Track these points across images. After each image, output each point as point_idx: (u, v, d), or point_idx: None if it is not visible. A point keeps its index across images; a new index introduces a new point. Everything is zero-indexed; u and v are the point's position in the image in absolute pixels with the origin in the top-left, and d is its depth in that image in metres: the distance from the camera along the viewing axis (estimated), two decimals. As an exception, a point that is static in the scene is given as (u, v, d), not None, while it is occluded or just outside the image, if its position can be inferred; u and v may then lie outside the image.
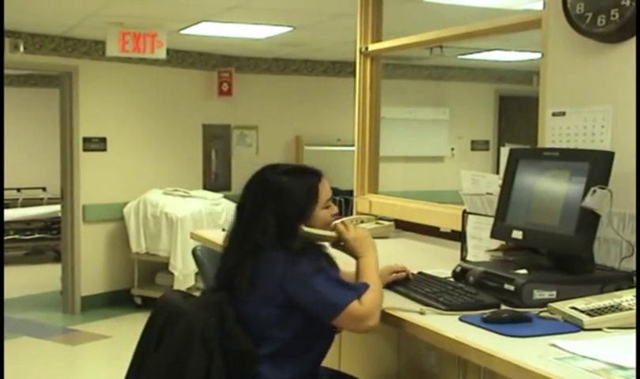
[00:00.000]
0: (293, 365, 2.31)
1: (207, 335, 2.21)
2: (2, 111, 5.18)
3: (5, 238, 10.16)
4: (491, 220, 2.71)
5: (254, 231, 2.29)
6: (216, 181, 8.15)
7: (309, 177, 2.41)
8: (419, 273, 2.67)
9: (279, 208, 2.30)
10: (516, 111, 8.74)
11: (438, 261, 3.00)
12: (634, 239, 2.43)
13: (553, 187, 2.51)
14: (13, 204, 10.76)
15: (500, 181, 2.74)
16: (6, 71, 9.89)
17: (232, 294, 2.30)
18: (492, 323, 2.07)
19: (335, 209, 2.47)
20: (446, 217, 3.56)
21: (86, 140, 7.19)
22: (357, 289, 2.25)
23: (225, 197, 7.46)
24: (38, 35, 6.80)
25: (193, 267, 6.21)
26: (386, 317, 2.30)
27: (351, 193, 4.59)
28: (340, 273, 2.36)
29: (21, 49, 6.60)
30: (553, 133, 2.83)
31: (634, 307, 2.06)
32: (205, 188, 7.87)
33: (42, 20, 6.20)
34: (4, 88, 5.86)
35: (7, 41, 6.54)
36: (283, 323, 2.27)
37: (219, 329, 2.23)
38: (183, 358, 2.20)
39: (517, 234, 2.54)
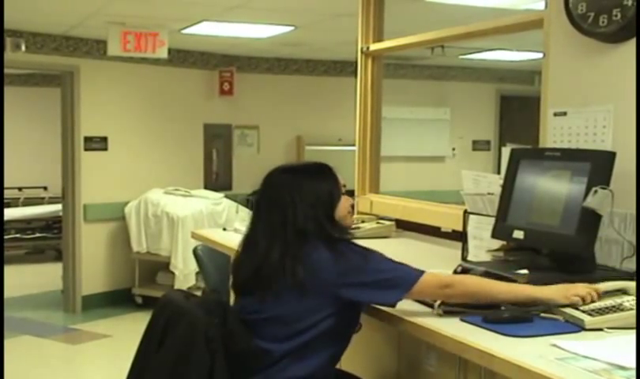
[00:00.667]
0: (315, 361, 2.28)
1: (210, 335, 2.20)
2: (2, 111, 5.18)
3: (7, 237, 10.17)
4: (492, 220, 2.71)
5: (292, 232, 2.27)
6: (217, 180, 8.15)
7: (326, 171, 2.42)
8: (420, 273, 2.66)
9: (312, 207, 2.30)
10: (517, 111, 8.73)
11: (440, 261, 3.00)
12: (635, 239, 2.42)
13: (554, 187, 2.50)
14: (15, 203, 10.77)
15: (501, 182, 2.74)
16: (8, 70, 9.89)
17: (264, 295, 2.27)
18: (493, 323, 2.07)
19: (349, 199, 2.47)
20: (447, 217, 3.55)
21: (87, 139, 7.19)
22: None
23: (226, 196, 7.46)
24: (39, 35, 6.80)
25: (193, 266, 6.21)
26: (386, 317, 2.30)
27: (352, 193, 4.58)
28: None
29: (23, 48, 6.60)
30: (554, 133, 2.82)
31: (635, 307, 2.06)
32: (206, 187, 7.87)
33: (43, 19, 6.20)
34: (4, 88, 5.85)
35: (9, 40, 6.54)
36: (320, 320, 2.24)
37: (222, 329, 2.23)
38: (186, 357, 2.20)
39: (518, 234, 2.54)
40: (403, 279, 2.22)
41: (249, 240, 2.39)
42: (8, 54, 6.56)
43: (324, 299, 2.23)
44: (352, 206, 2.49)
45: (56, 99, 7.53)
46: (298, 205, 2.29)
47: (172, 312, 2.29)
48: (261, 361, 2.28)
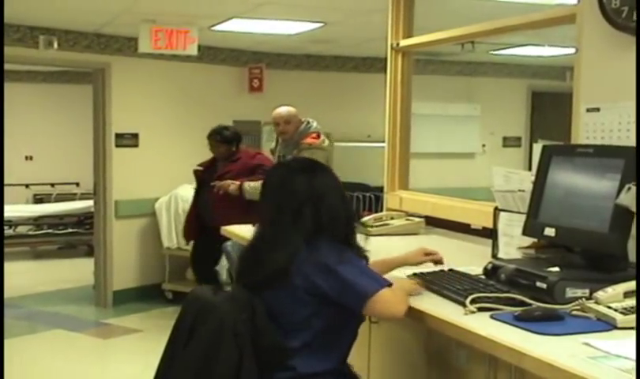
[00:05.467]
0: (323, 359, 2.32)
1: (238, 330, 2.21)
2: (2, 110, 5.20)
3: (39, 232, 10.31)
4: (523, 217, 2.69)
5: (300, 228, 2.31)
6: (246, 177, 8.16)
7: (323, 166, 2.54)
8: (450, 270, 2.65)
9: (322, 204, 2.35)
10: (548, 107, 8.64)
11: (469, 258, 2.98)
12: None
13: (587, 184, 2.47)
14: (47, 199, 10.92)
15: (532, 178, 2.72)
16: (40, 68, 10.04)
17: (265, 288, 2.32)
18: (524, 321, 2.05)
19: None
20: (477, 214, 3.53)
21: (118, 136, 7.25)
22: (384, 281, 2.28)
23: (254, 192, 7.48)
24: (72, 32, 6.86)
25: (223, 262, 6.22)
26: (416, 314, 2.29)
27: (381, 189, 4.58)
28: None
29: (55, 46, 6.67)
30: (587, 129, 2.79)
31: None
32: (233, 184, 7.89)
33: (76, 17, 6.27)
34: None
35: (41, 38, 6.62)
36: (315, 314, 2.28)
37: (249, 324, 2.24)
38: (214, 353, 2.21)
39: (549, 232, 2.51)
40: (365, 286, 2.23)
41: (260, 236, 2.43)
42: (41, 52, 6.64)
43: (307, 287, 2.26)
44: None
45: (88, 96, 7.60)
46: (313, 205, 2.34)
47: (200, 307, 2.31)
48: (288, 356, 2.28)
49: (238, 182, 5.63)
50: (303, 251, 2.28)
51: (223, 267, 6.69)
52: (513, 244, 2.87)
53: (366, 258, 2.45)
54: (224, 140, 6.07)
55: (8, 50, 6.50)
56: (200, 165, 6.21)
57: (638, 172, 2.28)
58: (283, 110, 5.66)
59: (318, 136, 5.47)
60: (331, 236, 2.33)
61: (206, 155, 6.05)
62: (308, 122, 5.63)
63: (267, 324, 2.29)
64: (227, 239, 5.27)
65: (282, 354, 2.29)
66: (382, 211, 4.39)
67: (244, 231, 4.02)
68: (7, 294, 7.58)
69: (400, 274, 2.76)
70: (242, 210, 5.52)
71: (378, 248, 3.61)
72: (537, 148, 2.80)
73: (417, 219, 4.00)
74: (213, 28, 6.53)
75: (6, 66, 9.29)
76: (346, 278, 2.24)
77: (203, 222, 5.99)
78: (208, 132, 6.10)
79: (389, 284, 2.27)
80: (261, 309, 2.30)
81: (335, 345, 2.36)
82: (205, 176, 6.07)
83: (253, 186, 5.45)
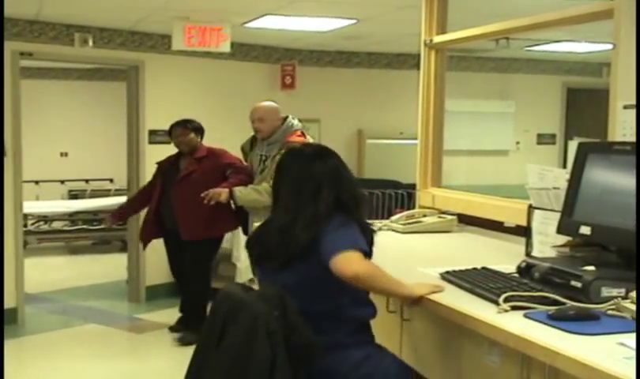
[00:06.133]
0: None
1: (271, 328, 2.21)
2: (2, 109, 5.25)
3: (74, 228, 10.43)
4: (558, 215, 2.65)
5: (321, 205, 2.48)
6: (278, 173, 8.17)
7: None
8: (483, 268, 2.63)
9: (338, 186, 2.55)
10: (584, 104, 8.54)
11: (503, 256, 2.96)
12: None
13: (623, 182, 2.43)
14: (82, 194, 11.04)
15: (567, 176, 2.68)
16: (75, 65, 10.14)
17: (293, 264, 2.45)
18: (558, 320, 2.02)
19: None
20: (510, 212, 3.49)
21: (152, 132, 7.30)
22: (360, 245, 2.40)
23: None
24: (106, 30, 6.93)
25: (242, 257, 6.33)
26: (449, 312, 2.27)
27: (413, 186, 4.55)
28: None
29: (90, 43, 6.74)
30: (624, 127, 2.75)
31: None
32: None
33: (110, 15, 6.32)
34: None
35: (77, 36, 6.69)
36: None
37: (282, 321, 2.23)
38: (248, 351, 2.20)
39: (585, 230, 2.48)
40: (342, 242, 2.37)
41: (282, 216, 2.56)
42: (76, 49, 6.70)
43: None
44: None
45: (122, 93, 7.66)
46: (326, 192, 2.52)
47: (232, 305, 2.31)
48: (320, 352, 2.28)
49: (227, 190, 5.26)
50: (328, 225, 2.41)
51: (242, 262, 6.74)
52: (547, 242, 2.84)
53: (371, 234, 2.55)
54: (193, 128, 5.94)
55: (45, 48, 6.61)
56: (159, 162, 6.10)
57: (638, 172, 2.25)
58: (260, 106, 5.30)
59: (303, 135, 5.22)
60: (348, 212, 2.49)
61: (238, 152, 6.04)
62: (287, 119, 5.27)
63: (299, 321, 2.28)
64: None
65: (314, 350, 2.28)
66: (414, 208, 4.37)
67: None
68: (43, 288, 7.74)
69: (429, 271, 2.75)
70: (208, 214, 5.50)
71: (409, 246, 3.61)
72: (572, 145, 2.77)
73: (450, 217, 3.98)
74: (246, 25, 6.54)
75: (42, 64, 9.44)
76: (332, 236, 2.38)
77: (163, 223, 5.91)
78: (172, 124, 6.02)
79: (363, 250, 2.38)
80: (292, 305, 2.30)
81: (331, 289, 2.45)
82: (167, 173, 5.93)
83: (245, 192, 5.22)
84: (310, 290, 2.45)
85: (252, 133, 5.42)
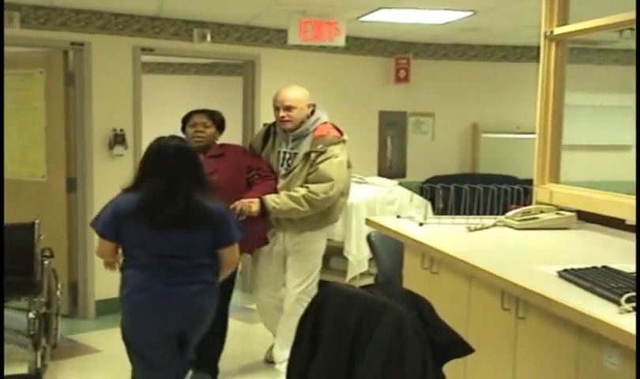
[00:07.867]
0: None
1: (417, 328, 2.14)
2: (2, 107, 5.33)
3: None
4: (686, 214, 2.53)
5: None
6: (391, 168, 8.17)
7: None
8: (604, 267, 2.55)
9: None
10: None
11: (624, 255, 2.86)
12: None
13: None
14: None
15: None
16: (193, 60, 10.44)
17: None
18: (685, 323, 1.94)
19: None
20: (632, 209, 3.36)
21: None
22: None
23: (400, 184, 7.46)
24: (224, 25, 7.10)
25: (366, 252, 6.27)
26: (568, 312, 2.22)
27: (530, 182, 4.45)
28: None
29: (208, 38, 6.92)
30: None
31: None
32: (380, 174, 7.90)
33: (228, 10, 6.47)
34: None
35: (195, 31, 6.88)
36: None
37: (419, 321, 2.17)
38: (399, 353, 2.11)
39: None
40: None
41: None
42: (195, 45, 6.90)
43: None
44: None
45: (238, 88, 7.83)
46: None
47: (367, 308, 2.21)
48: (469, 350, 2.24)
49: (257, 200, 4.49)
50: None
51: (365, 257, 6.74)
52: (673, 242, 2.72)
53: None
54: (219, 121, 4.98)
55: (165, 44, 6.83)
56: None
57: (637, 172, 2.12)
58: (288, 91, 4.51)
59: (335, 127, 4.55)
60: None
61: (351, 146, 6.04)
62: (315, 110, 4.56)
63: (437, 319, 2.23)
64: None
65: (459, 346, 2.24)
66: (530, 204, 4.27)
67: (388, 223, 4.03)
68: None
69: (547, 269, 2.68)
70: None
71: (525, 242, 3.53)
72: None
73: (568, 214, 3.87)
74: (361, 19, 6.56)
75: (163, 59, 9.76)
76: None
77: None
78: (192, 110, 5.05)
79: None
80: (426, 304, 2.25)
81: None
82: None
83: (281, 203, 4.50)
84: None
85: (264, 125, 4.81)
